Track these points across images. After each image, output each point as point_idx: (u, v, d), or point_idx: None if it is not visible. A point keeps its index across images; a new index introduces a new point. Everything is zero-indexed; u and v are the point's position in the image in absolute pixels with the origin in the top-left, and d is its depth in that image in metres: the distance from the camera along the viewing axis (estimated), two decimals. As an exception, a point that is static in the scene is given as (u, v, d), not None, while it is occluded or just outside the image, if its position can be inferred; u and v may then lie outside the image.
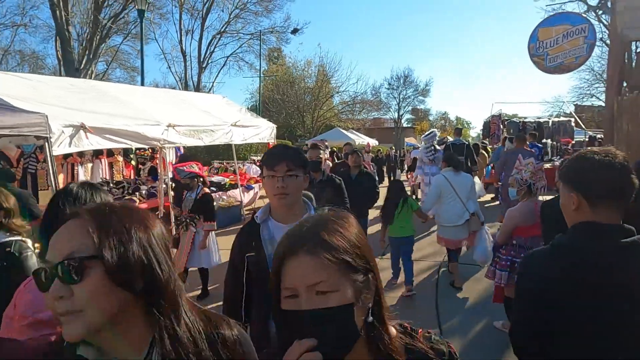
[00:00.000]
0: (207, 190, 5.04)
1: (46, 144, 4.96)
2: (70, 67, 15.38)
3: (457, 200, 5.07)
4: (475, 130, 59.00)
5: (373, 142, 25.36)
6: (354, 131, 26.15)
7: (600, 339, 1.23)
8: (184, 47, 21.91)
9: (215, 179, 10.19)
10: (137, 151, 10.57)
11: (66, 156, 8.82)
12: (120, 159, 10.20)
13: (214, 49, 23.07)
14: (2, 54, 24.78)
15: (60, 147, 5.27)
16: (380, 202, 5.68)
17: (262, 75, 27.15)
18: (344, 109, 31.44)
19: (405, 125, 48.33)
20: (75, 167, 9.18)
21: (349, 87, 38.99)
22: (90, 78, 17.24)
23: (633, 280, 1.21)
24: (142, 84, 11.97)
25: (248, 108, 31.51)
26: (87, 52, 16.52)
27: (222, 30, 21.96)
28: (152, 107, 7.63)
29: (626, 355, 1.22)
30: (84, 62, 16.19)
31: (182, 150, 12.55)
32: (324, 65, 29.14)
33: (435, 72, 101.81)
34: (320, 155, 4.40)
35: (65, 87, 6.70)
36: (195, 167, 4.96)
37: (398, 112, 46.15)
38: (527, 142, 8.62)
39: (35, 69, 25.08)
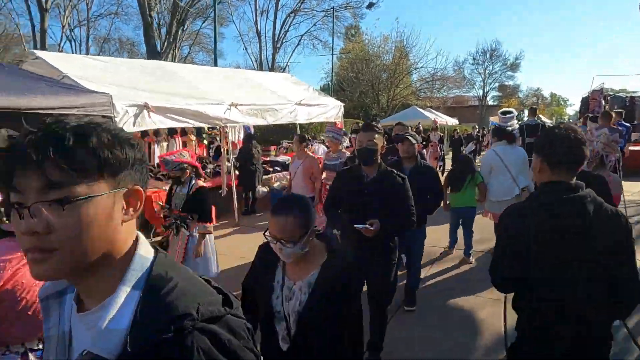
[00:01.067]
0: (201, 183, 4.07)
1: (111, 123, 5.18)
2: (153, 51, 16.39)
3: (507, 175, 4.99)
4: (572, 108, 53.20)
5: (453, 122, 23.87)
6: (432, 110, 24.78)
7: (562, 271, 1.63)
8: (259, 28, 22.30)
9: (281, 158, 10.23)
10: (208, 130, 10.91)
11: (143, 135, 9.36)
12: (194, 138, 10.60)
13: (288, 28, 23.15)
14: (102, 42, 27.26)
15: (124, 127, 5.51)
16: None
17: (336, 53, 26.76)
18: (422, 87, 29.97)
19: (491, 103, 45.01)
20: (152, 146, 9.70)
21: (427, 62, 37.06)
22: (173, 61, 18.22)
23: (583, 222, 1.60)
24: (216, 64, 12.27)
25: (321, 87, 31.35)
26: (167, 37, 17.48)
27: (296, 8, 21.90)
28: (217, 87, 7.72)
29: (579, 275, 1.61)
30: (164, 46, 17.16)
31: (251, 129, 12.80)
32: (402, 40, 27.86)
33: (526, 44, 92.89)
34: (376, 140, 2.94)
35: (135, 68, 6.98)
36: (186, 156, 4.08)
37: (483, 89, 43.12)
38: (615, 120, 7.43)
39: (132, 56, 27.28)
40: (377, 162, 2.96)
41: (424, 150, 11.16)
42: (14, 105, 4.08)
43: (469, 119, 34.32)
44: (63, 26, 22.80)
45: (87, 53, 25.51)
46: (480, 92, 42.81)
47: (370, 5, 23.10)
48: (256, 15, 21.90)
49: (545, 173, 1.69)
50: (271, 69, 21.21)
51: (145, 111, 5.65)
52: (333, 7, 21.08)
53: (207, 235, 3.98)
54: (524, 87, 52.60)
